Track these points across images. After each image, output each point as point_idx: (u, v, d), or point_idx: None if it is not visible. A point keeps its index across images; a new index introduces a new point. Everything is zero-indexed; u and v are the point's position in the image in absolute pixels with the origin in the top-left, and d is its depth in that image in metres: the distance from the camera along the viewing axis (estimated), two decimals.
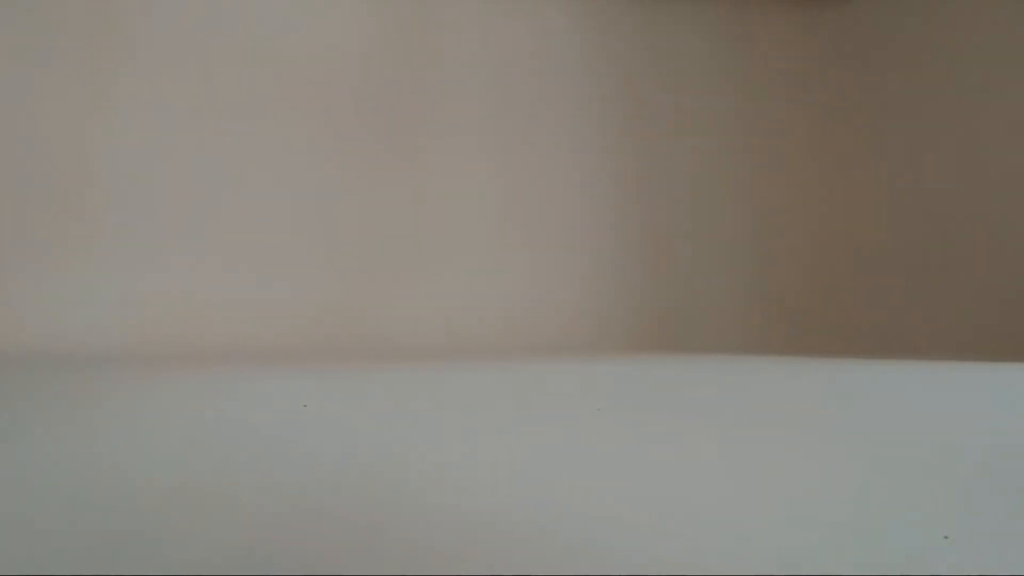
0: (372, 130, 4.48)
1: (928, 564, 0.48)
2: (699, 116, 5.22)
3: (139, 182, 3.98)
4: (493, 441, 0.97)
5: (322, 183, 4.35)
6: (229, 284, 4.03)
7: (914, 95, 4.85)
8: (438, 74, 4.65)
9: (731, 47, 5.31)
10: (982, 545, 0.53)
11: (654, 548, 0.51)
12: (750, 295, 5.14)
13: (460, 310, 4.47)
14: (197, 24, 4.16)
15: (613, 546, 0.52)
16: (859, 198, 5.11)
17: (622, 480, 0.74)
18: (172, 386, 1.73)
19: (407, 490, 0.68)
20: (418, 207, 4.54)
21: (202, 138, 4.11)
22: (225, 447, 0.90)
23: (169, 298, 3.87)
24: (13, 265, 3.67)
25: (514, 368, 2.50)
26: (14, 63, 3.80)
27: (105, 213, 3.89)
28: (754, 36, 5.35)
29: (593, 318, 4.19)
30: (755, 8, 5.34)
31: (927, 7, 4.81)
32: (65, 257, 3.78)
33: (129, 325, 3.69)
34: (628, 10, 5.14)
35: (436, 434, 1.03)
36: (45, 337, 3.44)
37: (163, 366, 2.37)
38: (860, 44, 5.17)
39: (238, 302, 4.00)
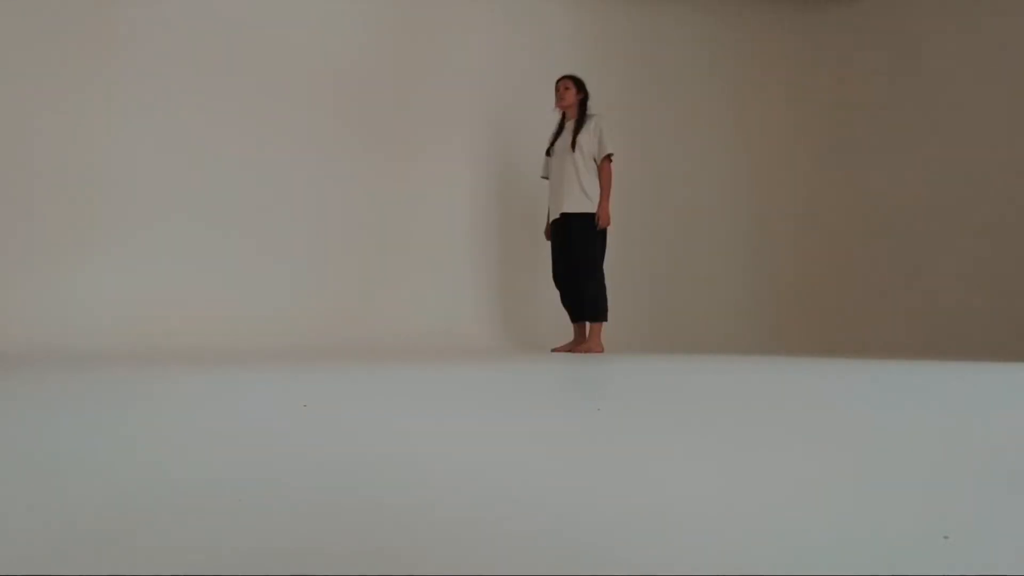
0: (371, 131, 4.48)
1: (928, 564, 0.48)
2: (697, 116, 5.22)
3: (138, 184, 3.98)
4: (493, 441, 0.97)
5: (323, 185, 4.35)
6: (229, 284, 4.03)
7: (913, 95, 4.85)
8: (436, 74, 4.64)
9: (731, 48, 5.31)
10: (982, 545, 0.53)
11: (653, 548, 0.51)
12: (749, 295, 5.14)
13: (459, 310, 4.48)
14: (194, 26, 4.16)
15: (613, 546, 0.52)
16: (858, 198, 5.11)
17: (622, 480, 0.74)
18: (172, 386, 1.73)
19: (406, 489, 0.68)
20: (419, 207, 4.54)
21: (202, 142, 4.11)
22: (225, 447, 0.90)
23: (169, 298, 3.87)
24: (14, 265, 3.67)
25: (514, 368, 2.50)
26: (13, 64, 3.80)
27: (105, 215, 3.90)
28: (754, 36, 5.35)
29: None
30: (755, 8, 5.34)
31: (927, 7, 4.81)
32: (66, 258, 3.78)
33: (129, 325, 3.70)
34: (627, 10, 5.14)
35: (435, 434, 1.03)
36: (45, 337, 3.44)
37: (163, 366, 2.37)
38: (860, 44, 5.17)
39: (238, 302, 4.00)
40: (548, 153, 3.96)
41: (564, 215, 3.78)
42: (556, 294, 4.01)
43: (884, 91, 4.99)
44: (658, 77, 5.15)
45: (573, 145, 3.75)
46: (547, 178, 4.01)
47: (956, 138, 4.61)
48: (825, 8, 5.31)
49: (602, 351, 3.72)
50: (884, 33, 5.02)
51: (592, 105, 3.90)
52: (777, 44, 5.36)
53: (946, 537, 0.53)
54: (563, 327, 4.15)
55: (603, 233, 3.80)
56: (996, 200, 4.41)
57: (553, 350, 3.90)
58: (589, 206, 3.74)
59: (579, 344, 3.80)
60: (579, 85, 3.88)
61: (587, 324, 3.82)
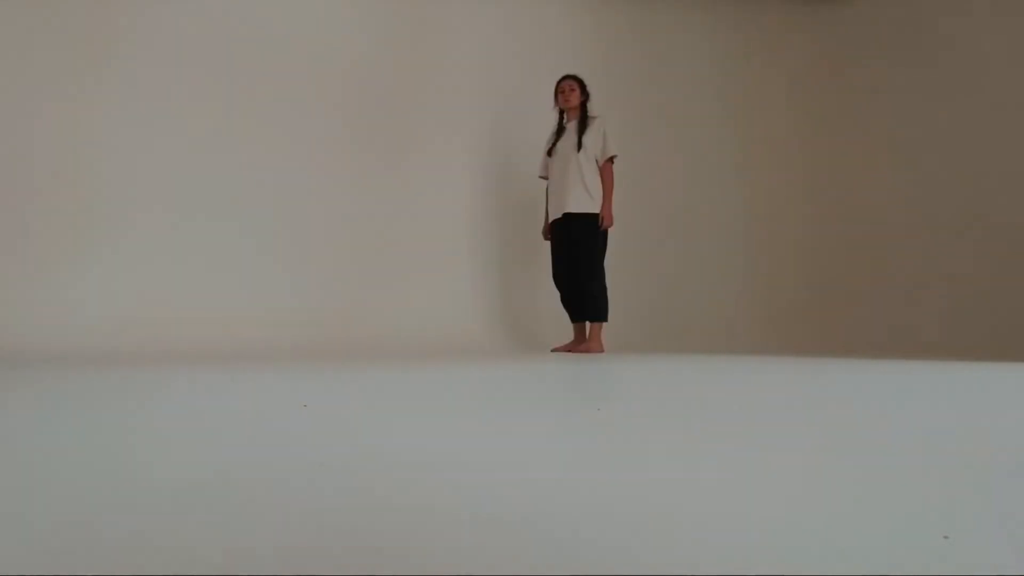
0: (371, 131, 4.48)
1: (928, 564, 0.48)
2: (697, 116, 5.22)
3: (138, 185, 3.98)
4: (493, 441, 0.97)
5: (322, 184, 4.35)
6: (229, 284, 4.03)
7: (912, 95, 4.85)
8: (436, 74, 4.64)
9: (731, 47, 5.31)
10: (982, 545, 0.53)
11: (653, 548, 0.51)
12: (749, 295, 5.14)
13: (459, 310, 4.48)
14: (195, 26, 4.16)
15: (613, 545, 0.52)
16: (857, 198, 5.11)
17: (622, 480, 0.74)
18: (172, 386, 1.73)
19: (407, 490, 0.68)
20: (419, 207, 4.54)
21: (202, 142, 4.11)
22: (225, 447, 0.90)
23: (169, 298, 3.87)
24: (13, 265, 3.67)
25: (514, 368, 2.50)
26: (13, 64, 3.80)
27: (105, 215, 3.90)
28: (754, 36, 5.35)
29: None
30: (755, 8, 5.35)
31: (927, 7, 4.81)
32: (65, 258, 3.78)
33: (129, 325, 3.70)
34: (627, 10, 5.14)
35: (436, 434, 1.03)
36: (45, 337, 3.44)
37: (163, 366, 2.37)
38: (860, 44, 5.17)
39: (238, 302, 4.00)
40: (549, 153, 3.96)
41: (566, 215, 3.79)
42: (556, 294, 4.01)
43: (885, 90, 4.99)
44: (658, 77, 5.15)
45: (578, 146, 3.76)
46: (546, 178, 4.01)
47: (958, 137, 4.61)
48: (825, 7, 5.31)
49: (602, 351, 3.72)
50: (885, 32, 5.02)
51: (592, 105, 3.90)
52: (777, 44, 5.36)
53: (946, 537, 0.53)
54: (563, 327, 4.15)
55: (604, 233, 3.80)
56: (998, 199, 4.41)
57: (553, 350, 3.90)
58: (592, 206, 3.75)
59: (579, 344, 3.80)
60: (582, 85, 3.89)
61: (587, 324, 3.82)
